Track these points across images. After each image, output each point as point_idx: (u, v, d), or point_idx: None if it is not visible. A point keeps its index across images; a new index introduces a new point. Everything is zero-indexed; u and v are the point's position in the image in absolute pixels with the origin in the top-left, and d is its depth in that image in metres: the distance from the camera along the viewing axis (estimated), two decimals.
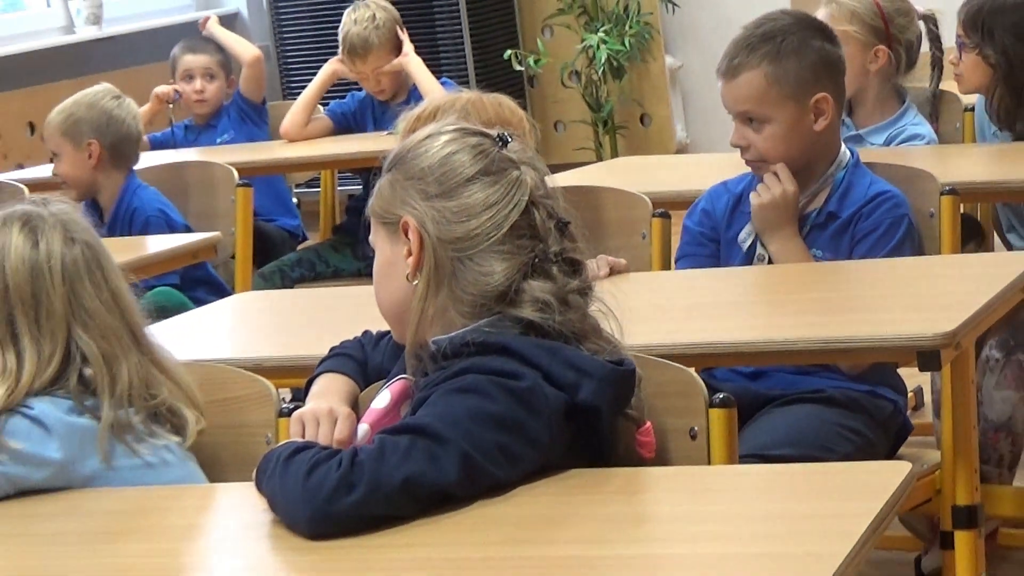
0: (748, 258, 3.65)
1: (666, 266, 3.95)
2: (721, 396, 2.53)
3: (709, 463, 2.52)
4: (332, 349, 2.79)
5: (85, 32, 8.76)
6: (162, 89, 6.40)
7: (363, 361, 2.75)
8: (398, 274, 2.51)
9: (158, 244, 4.54)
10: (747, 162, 3.67)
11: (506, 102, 3.41)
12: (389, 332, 2.68)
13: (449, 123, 2.57)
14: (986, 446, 3.85)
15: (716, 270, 3.68)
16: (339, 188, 6.59)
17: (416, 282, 2.48)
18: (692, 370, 2.60)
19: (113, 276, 2.68)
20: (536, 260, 2.46)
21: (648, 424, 2.49)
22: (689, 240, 3.75)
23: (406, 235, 2.48)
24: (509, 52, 8.74)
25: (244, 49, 6.56)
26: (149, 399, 2.63)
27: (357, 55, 6.05)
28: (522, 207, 2.46)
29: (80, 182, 4.95)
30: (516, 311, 2.45)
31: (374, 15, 6.10)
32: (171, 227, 4.91)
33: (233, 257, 5.11)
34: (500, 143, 2.51)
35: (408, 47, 6.06)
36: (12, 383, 2.58)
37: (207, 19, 6.83)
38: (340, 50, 6.13)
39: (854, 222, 3.58)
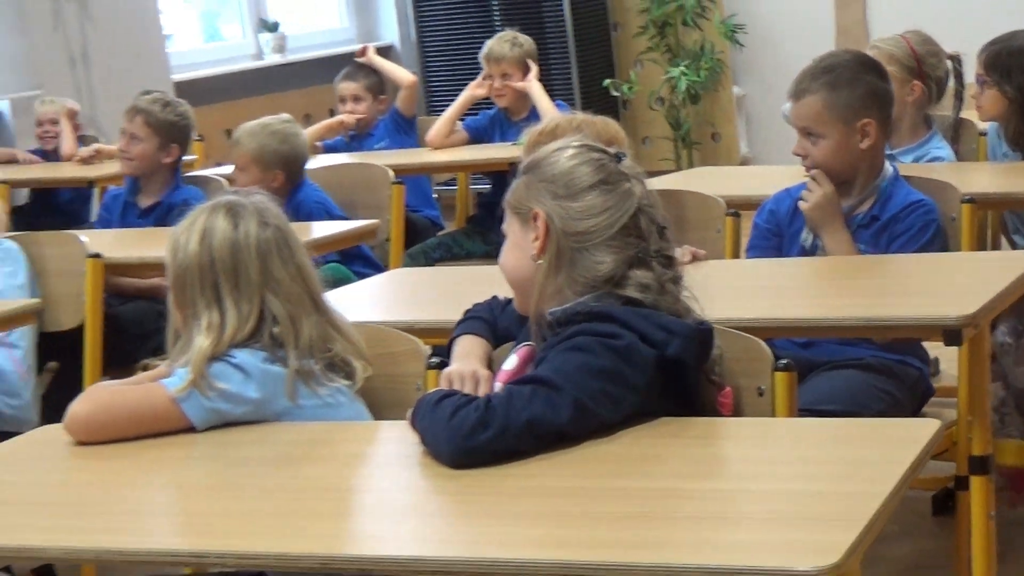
0: (811, 252, 3.59)
1: (736, 255, 3.92)
2: (784, 362, 2.50)
3: (773, 416, 2.49)
4: (467, 312, 2.78)
5: (272, 58, 8.82)
6: (350, 121, 6.39)
7: (493, 322, 2.73)
8: (525, 255, 2.50)
9: (331, 228, 4.53)
10: (806, 168, 3.62)
11: (611, 122, 3.39)
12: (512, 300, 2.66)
13: (575, 140, 2.55)
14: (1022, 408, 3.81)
15: (778, 259, 3.63)
16: (472, 187, 6.59)
17: (540, 262, 2.47)
18: (760, 340, 2.57)
19: (298, 253, 2.68)
20: (639, 255, 2.44)
21: (728, 389, 2.47)
22: (757, 235, 3.71)
23: (535, 223, 2.46)
24: (607, 81, 8.72)
25: (402, 75, 6.55)
26: (326, 351, 2.63)
27: (492, 57, 6.07)
28: (631, 212, 2.44)
29: None
30: (620, 291, 2.43)
31: (516, 37, 6.16)
32: (329, 215, 4.88)
33: (387, 240, 5.11)
34: (616, 159, 2.49)
35: (534, 74, 6.06)
36: (217, 336, 2.59)
37: (364, 48, 6.81)
38: (480, 56, 6.14)
39: (892, 224, 3.52)
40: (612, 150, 2.52)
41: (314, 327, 2.63)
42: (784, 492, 2.09)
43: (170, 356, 2.65)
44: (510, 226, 2.55)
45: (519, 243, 2.52)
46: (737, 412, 2.50)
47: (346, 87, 6.38)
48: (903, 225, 3.51)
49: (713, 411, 2.44)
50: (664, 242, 2.48)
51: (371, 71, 6.50)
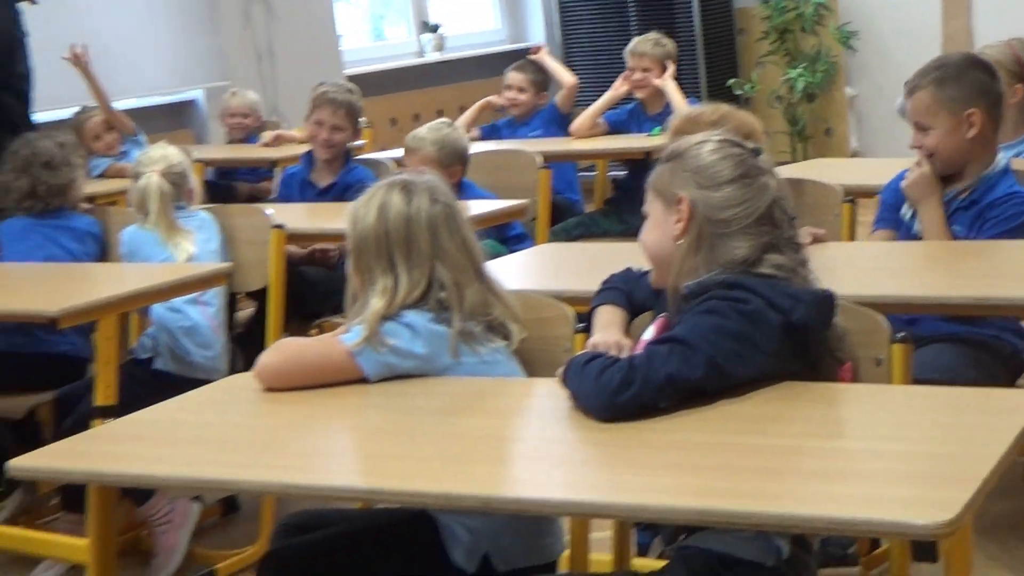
0: (909, 226, 3.55)
1: (852, 239, 3.85)
2: (902, 334, 2.43)
3: (890, 383, 2.43)
4: (604, 282, 2.74)
5: (432, 56, 8.83)
6: (496, 101, 6.39)
7: (629, 292, 2.69)
8: (666, 235, 2.45)
9: (486, 207, 4.53)
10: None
11: (750, 117, 3.34)
12: (647, 272, 2.62)
13: (716, 134, 2.49)
14: None
15: (889, 244, 3.56)
16: (609, 173, 6.56)
17: (681, 243, 2.42)
18: (879, 314, 2.51)
19: (464, 227, 2.67)
20: (772, 241, 2.39)
21: (849, 364, 2.41)
22: (884, 208, 3.65)
23: (678, 207, 2.42)
24: (731, 81, 8.64)
25: (565, 76, 6.53)
26: (486, 315, 2.62)
27: (636, 53, 6.10)
28: (767, 203, 2.39)
29: None
30: (754, 270, 2.38)
31: (660, 38, 6.18)
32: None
33: (534, 219, 5.09)
34: (754, 154, 2.45)
35: (671, 72, 6.04)
36: (390, 298, 2.59)
37: (539, 48, 6.81)
38: (625, 51, 6.14)
39: (988, 209, 3.44)
40: (750, 145, 2.47)
41: (476, 293, 2.62)
42: (902, 452, 2.04)
43: (348, 316, 2.65)
44: (652, 207, 2.50)
45: (660, 223, 2.47)
46: (856, 378, 2.44)
47: (514, 77, 6.39)
48: (996, 211, 3.43)
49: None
50: (792, 230, 2.43)
51: (539, 68, 6.49)
